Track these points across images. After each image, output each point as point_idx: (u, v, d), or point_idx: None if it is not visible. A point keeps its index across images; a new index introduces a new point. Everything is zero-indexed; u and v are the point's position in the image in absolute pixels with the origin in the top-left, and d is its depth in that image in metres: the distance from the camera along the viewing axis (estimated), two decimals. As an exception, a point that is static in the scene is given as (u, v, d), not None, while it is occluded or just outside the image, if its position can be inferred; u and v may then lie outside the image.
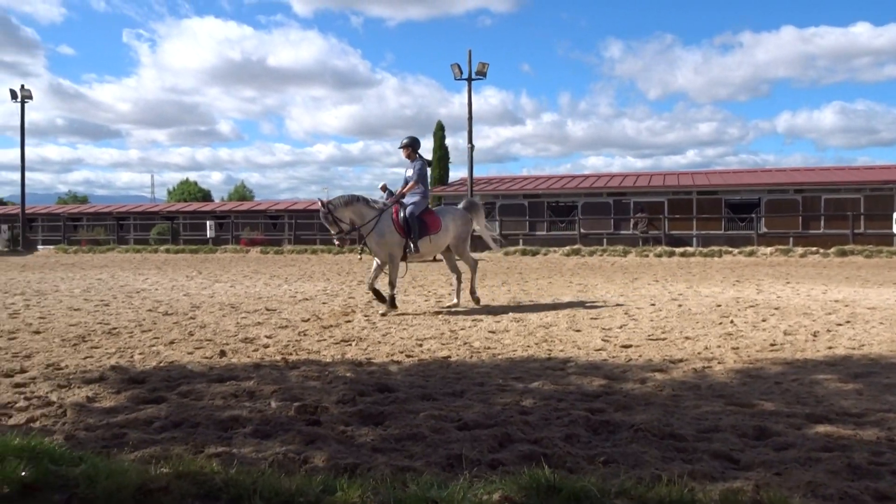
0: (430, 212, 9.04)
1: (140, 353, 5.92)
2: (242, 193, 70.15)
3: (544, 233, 28.14)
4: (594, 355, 5.79)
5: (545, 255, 22.34)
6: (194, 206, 42.52)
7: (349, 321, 7.90)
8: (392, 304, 8.62)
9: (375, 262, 8.95)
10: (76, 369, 5.23)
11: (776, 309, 8.53)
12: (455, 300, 9.18)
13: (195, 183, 69.29)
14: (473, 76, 25.63)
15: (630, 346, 6.18)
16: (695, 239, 25.68)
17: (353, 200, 8.81)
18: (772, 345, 6.13)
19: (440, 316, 8.24)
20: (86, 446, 3.02)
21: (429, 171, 9.34)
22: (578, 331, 7.05)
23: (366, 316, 8.30)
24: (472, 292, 9.25)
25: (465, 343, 6.41)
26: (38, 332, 7.08)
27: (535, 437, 3.37)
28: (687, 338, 6.55)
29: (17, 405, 4.14)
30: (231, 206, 41.60)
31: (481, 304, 9.17)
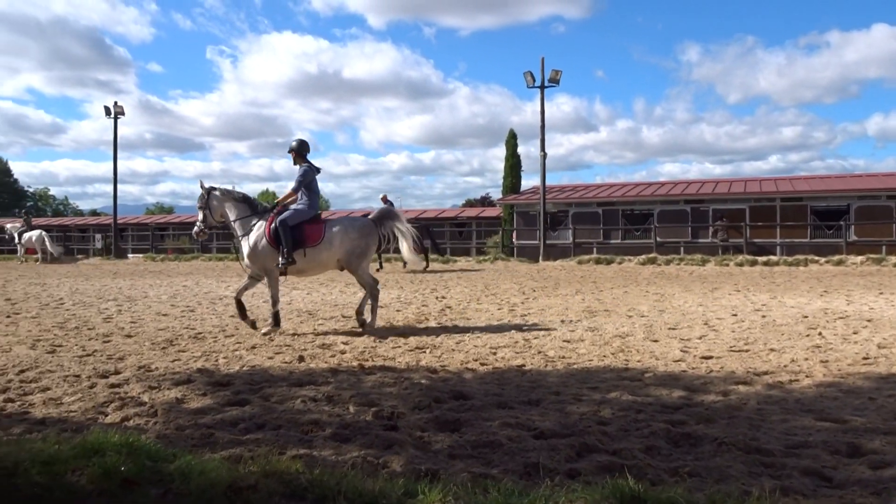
0: (315, 222, 8.04)
1: (224, 358, 6.15)
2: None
3: (619, 241, 27.63)
4: (673, 366, 5.63)
5: (620, 263, 21.93)
6: (272, 215, 43.81)
7: (423, 329, 7.97)
8: (275, 321, 7.86)
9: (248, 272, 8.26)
10: (165, 371, 5.48)
11: (868, 321, 8.10)
12: (366, 317, 8.01)
13: (274, 193, 71.63)
14: (546, 84, 25.51)
15: (711, 357, 5.99)
16: (778, 247, 24.67)
17: (235, 197, 8.19)
18: (864, 358, 5.82)
19: (513, 325, 8.21)
20: (176, 445, 3.16)
21: (316, 177, 8.22)
22: (656, 341, 6.89)
23: (439, 323, 8.35)
24: (359, 313, 8.04)
25: (540, 352, 6.36)
26: (129, 336, 7.45)
27: (614, 447, 3.31)
28: (772, 350, 6.30)
29: (113, 404, 4.37)
30: (307, 215, 42.56)
31: (375, 329, 7.85)
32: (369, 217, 8.40)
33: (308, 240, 7.87)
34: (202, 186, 8.14)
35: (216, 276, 17.83)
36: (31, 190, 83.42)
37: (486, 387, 4.84)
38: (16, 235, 27.72)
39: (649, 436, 3.51)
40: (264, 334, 7.54)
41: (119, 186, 33.93)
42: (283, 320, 8.74)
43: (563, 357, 6.12)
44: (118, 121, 32.77)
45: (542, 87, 25.65)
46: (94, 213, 69.85)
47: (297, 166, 8.17)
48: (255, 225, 7.99)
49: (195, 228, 8.24)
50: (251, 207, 8.20)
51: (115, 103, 32.55)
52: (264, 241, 7.83)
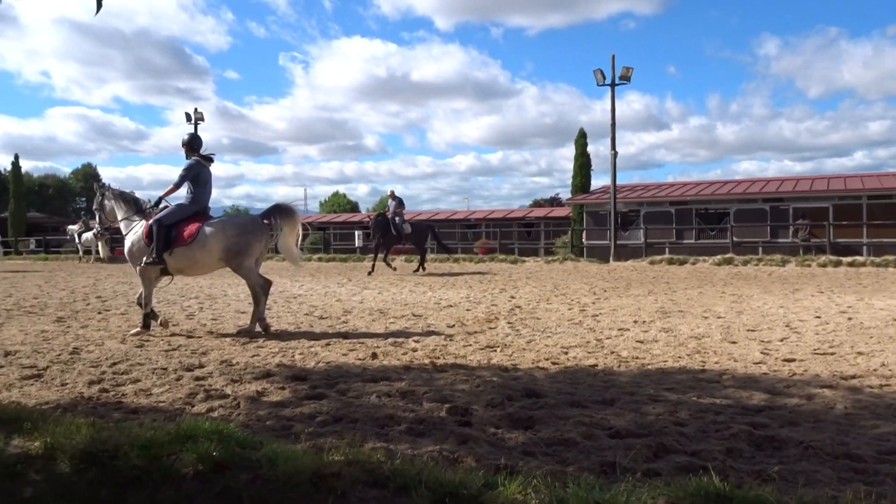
0: (193, 220, 7.68)
1: (300, 354, 6.32)
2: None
3: (692, 241, 26.89)
4: (752, 368, 5.46)
5: (693, 264, 21.35)
6: (343, 216, 44.81)
7: (493, 328, 7.98)
8: (144, 324, 7.60)
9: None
10: (246, 366, 5.68)
11: (968, 324, 7.62)
12: (248, 323, 7.83)
13: (344, 195, 73.21)
14: (617, 81, 25.10)
15: (793, 360, 5.77)
16: (865, 247, 23.48)
17: (125, 198, 8.11)
18: (964, 363, 5.49)
19: (584, 324, 8.12)
20: (259, 435, 3.28)
21: (204, 170, 7.87)
22: (734, 343, 6.69)
23: (509, 323, 8.35)
24: (259, 319, 7.70)
25: (612, 352, 6.27)
26: (211, 332, 7.75)
27: (693, 449, 3.24)
28: (860, 353, 6.02)
29: (198, 396, 4.57)
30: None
31: (271, 331, 7.65)
32: (260, 215, 8.04)
33: (178, 239, 7.59)
34: (95, 188, 8.29)
35: (289, 276, 18.31)
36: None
37: (559, 385, 4.82)
38: (76, 237, 29.93)
39: (730, 438, 3.42)
40: (133, 335, 7.39)
41: (198, 189, 35.23)
42: (356, 318, 8.92)
43: (637, 357, 6.02)
44: (198, 126, 34.08)
45: (613, 85, 25.25)
46: (174, 215, 72.70)
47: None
48: (136, 224, 7.94)
49: (94, 230, 8.93)
50: (136, 207, 8.09)
51: (196, 109, 33.88)
52: (142, 241, 7.74)
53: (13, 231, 41.43)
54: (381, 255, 19.03)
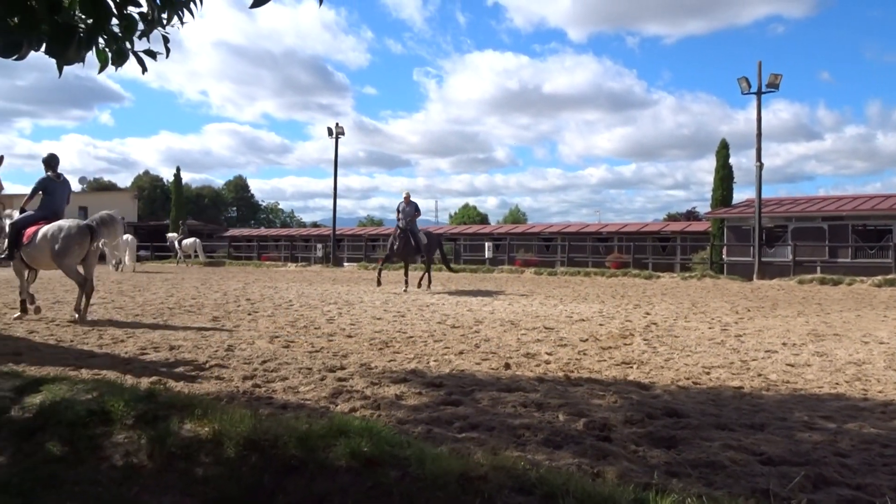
0: (34, 224, 9.23)
1: (435, 361, 6.46)
2: (517, 217, 73.27)
3: (848, 260, 24.83)
4: (925, 400, 4.95)
5: (849, 284, 19.68)
6: (474, 228, 45.33)
7: (628, 344, 7.77)
8: (21, 308, 9.46)
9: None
10: (384, 370, 5.88)
11: None
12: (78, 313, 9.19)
13: (474, 207, 74.14)
14: (763, 89, 23.71)
15: (974, 393, 5.18)
16: None
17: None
18: None
19: (727, 344, 7.71)
20: (404, 436, 3.38)
21: (53, 185, 9.58)
22: (901, 371, 6.10)
23: (645, 340, 8.09)
24: (77, 310, 9.15)
25: (760, 374, 5.91)
26: (350, 336, 8.09)
27: (857, 482, 2.99)
28: None
29: (341, 396, 4.79)
30: (506, 228, 43.51)
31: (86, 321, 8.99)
32: (85, 222, 9.34)
33: (21, 239, 9.23)
34: None
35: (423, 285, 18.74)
36: (263, 204, 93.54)
37: (702, 406, 4.61)
38: (176, 243, 34.12)
39: (900, 473, 3.12)
40: (15, 318, 9.20)
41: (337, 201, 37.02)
42: (487, 328, 8.98)
43: (787, 382, 5.64)
44: (339, 140, 35.79)
45: (759, 94, 23.88)
46: (315, 224, 76.84)
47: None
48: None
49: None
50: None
51: (337, 124, 35.59)
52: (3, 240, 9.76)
53: (174, 237, 45.31)
54: (397, 265, 17.30)
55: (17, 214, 9.87)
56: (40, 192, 9.60)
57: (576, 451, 3.42)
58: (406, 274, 17.09)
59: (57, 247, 8.94)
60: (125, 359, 6.35)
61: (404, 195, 16.94)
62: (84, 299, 9.12)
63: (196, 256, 34.40)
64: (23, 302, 9.44)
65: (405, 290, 16.27)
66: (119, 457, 2.68)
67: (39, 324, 8.99)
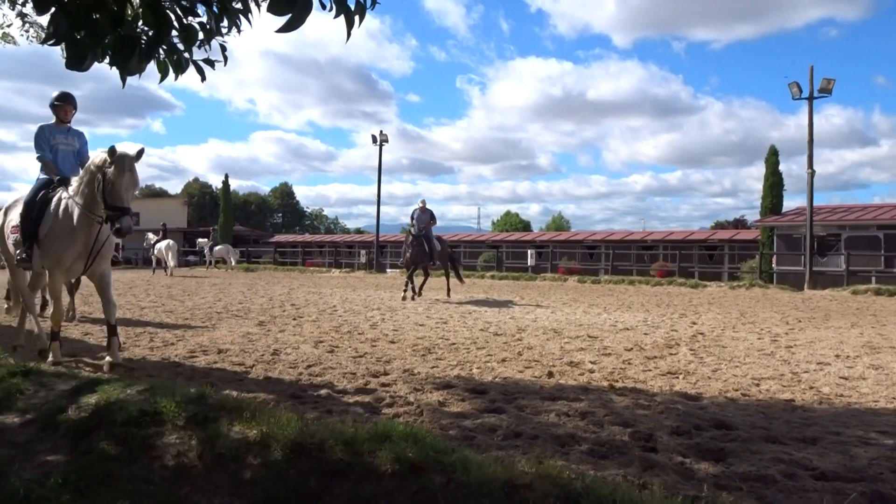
0: None
1: (478, 368, 6.45)
2: (560, 224, 72.78)
3: (905, 270, 23.94)
4: None
5: (907, 296, 18.97)
6: (516, 235, 45.17)
7: (674, 354, 7.63)
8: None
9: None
10: (427, 376, 5.90)
11: None
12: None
13: (516, 214, 73.89)
14: (815, 94, 23.09)
15: None
16: None
17: None
18: None
19: (777, 356, 7.52)
20: (448, 441, 3.39)
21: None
22: (963, 386, 5.86)
23: (692, 350, 7.94)
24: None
25: (811, 387, 5.75)
26: (393, 342, 8.14)
27: (917, 501, 2.88)
28: None
29: (385, 401, 4.82)
30: (549, 236, 43.25)
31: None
32: None
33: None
34: None
35: (463, 292, 18.74)
36: (308, 210, 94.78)
37: (751, 419, 4.50)
38: (206, 249, 35.07)
39: (963, 493, 3.00)
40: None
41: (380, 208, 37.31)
42: (530, 336, 8.93)
43: (841, 395, 5.47)
44: (382, 148, 36.09)
45: (811, 99, 23.26)
46: (358, 231, 77.59)
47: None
48: None
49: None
50: None
51: (381, 132, 35.90)
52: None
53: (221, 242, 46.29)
54: (408, 273, 16.56)
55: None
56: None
57: (621, 461, 3.38)
58: (411, 279, 16.42)
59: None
60: (175, 361, 6.51)
61: (420, 203, 16.62)
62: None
63: (227, 262, 35.31)
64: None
65: (414, 297, 15.96)
66: (170, 456, 2.75)
67: (94, 326, 9.28)
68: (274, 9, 2.32)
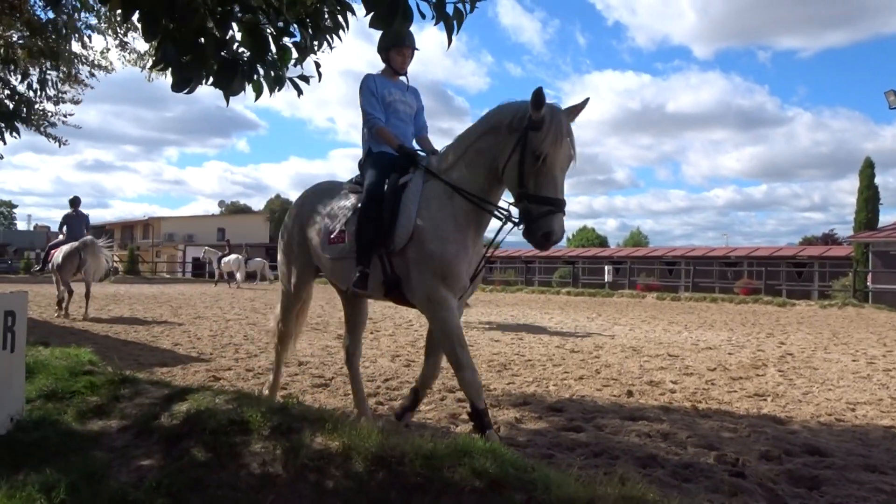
0: (58, 247, 12.84)
1: (554, 385, 6.37)
2: (637, 239, 71.25)
3: None
4: None
5: None
6: (593, 251, 44.53)
7: (760, 375, 7.32)
8: (57, 305, 12.92)
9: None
10: (503, 392, 5.87)
11: None
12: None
13: (593, 229, 72.83)
14: (914, 102, 21.84)
15: None
16: None
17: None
18: None
19: (874, 379, 7.10)
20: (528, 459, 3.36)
21: (72, 219, 13.23)
22: None
23: (780, 371, 7.59)
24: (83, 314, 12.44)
25: (914, 414, 5.40)
26: (468, 357, 8.14)
27: None
28: None
29: (461, 417, 4.82)
30: (627, 251, 42.40)
31: None
32: (74, 245, 12.39)
33: (48, 257, 13.07)
34: None
35: (539, 308, 18.59)
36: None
37: (846, 445, 4.26)
38: (214, 261, 31.38)
39: None
40: (55, 315, 12.58)
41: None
42: (608, 354, 8.76)
43: (948, 423, 5.11)
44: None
45: (909, 107, 22.01)
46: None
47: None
48: None
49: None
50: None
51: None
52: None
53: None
54: None
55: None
56: (65, 226, 13.12)
57: (707, 485, 3.26)
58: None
59: (57, 263, 12.30)
60: (259, 372, 6.72)
61: None
62: (85, 301, 12.56)
63: (263, 278, 32.32)
64: (59, 301, 12.60)
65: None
66: (256, 465, 2.84)
67: (183, 336, 9.70)
68: (375, 24, 2.38)
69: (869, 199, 27.74)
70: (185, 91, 2.72)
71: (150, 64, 6.67)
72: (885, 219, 28.88)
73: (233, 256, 29.09)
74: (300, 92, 3.22)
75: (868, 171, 27.92)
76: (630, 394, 6.00)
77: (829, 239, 50.63)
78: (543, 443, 4.06)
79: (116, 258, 31.37)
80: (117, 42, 7.25)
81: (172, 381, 5.30)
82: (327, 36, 3.10)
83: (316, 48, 3.12)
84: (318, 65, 3.29)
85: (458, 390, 5.89)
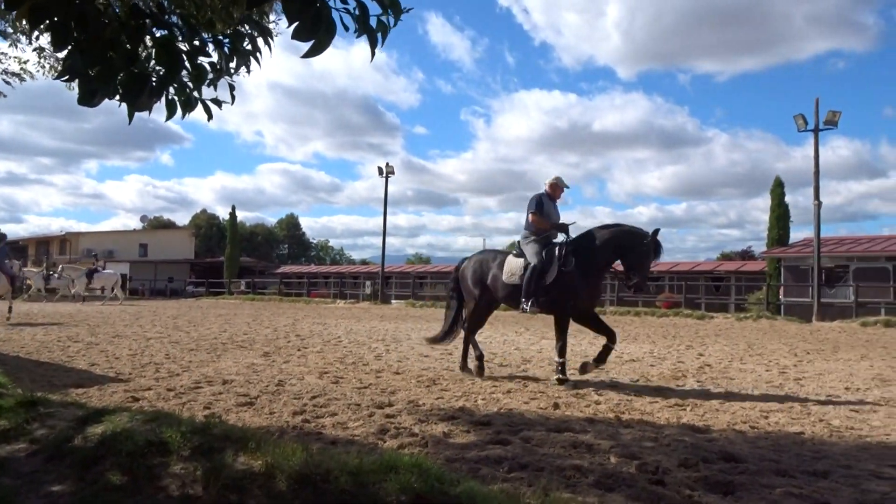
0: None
1: (483, 399, 6.41)
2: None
3: (914, 302, 23.77)
4: None
5: (916, 328, 18.82)
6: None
7: (681, 386, 7.58)
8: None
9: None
10: (432, 407, 5.87)
11: None
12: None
13: (522, 245, 73.80)
14: (821, 126, 23.18)
15: None
16: None
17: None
18: None
19: (786, 388, 7.46)
20: (454, 473, 3.36)
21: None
22: (975, 419, 5.78)
23: (698, 382, 7.88)
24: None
25: (821, 420, 5.69)
26: (397, 373, 8.11)
27: (930, 535, 2.84)
28: None
29: (389, 432, 4.79)
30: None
31: None
32: None
33: None
34: None
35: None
36: (314, 241, 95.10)
37: (760, 451, 4.46)
38: (37, 276, 29.01)
39: (977, 528, 2.95)
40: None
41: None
42: (535, 367, 8.89)
43: (851, 428, 5.41)
44: (388, 179, 36.29)
45: (816, 131, 23.35)
46: (363, 262, 77.67)
47: None
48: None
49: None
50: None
51: (387, 164, 36.10)
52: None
53: (228, 273, 46.30)
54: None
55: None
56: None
57: (629, 494, 3.34)
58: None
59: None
60: (181, 392, 6.50)
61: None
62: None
63: (113, 294, 29.00)
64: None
65: None
66: (175, 487, 2.74)
67: (100, 356, 9.28)
68: (298, 35, 2.36)
69: (780, 216, 29.25)
70: (91, 104, 2.62)
71: (54, 74, 6.42)
72: (795, 235, 30.53)
73: (108, 271, 30.08)
74: (210, 116, 3.15)
75: (778, 190, 29.46)
76: (556, 406, 6.09)
77: (746, 254, 53.01)
78: (471, 456, 4.08)
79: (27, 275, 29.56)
80: (34, 48, 6.94)
81: (88, 403, 5.06)
82: (245, 59, 3.05)
83: (233, 70, 3.06)
84: (232, 87, 3.24)
85: (387, 406, 5.87)
